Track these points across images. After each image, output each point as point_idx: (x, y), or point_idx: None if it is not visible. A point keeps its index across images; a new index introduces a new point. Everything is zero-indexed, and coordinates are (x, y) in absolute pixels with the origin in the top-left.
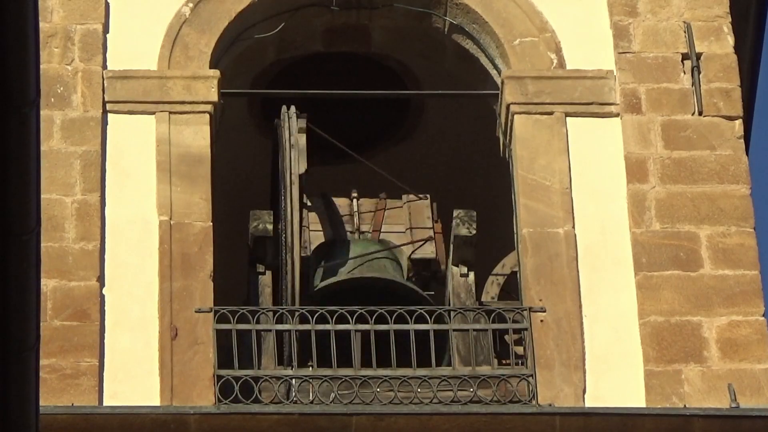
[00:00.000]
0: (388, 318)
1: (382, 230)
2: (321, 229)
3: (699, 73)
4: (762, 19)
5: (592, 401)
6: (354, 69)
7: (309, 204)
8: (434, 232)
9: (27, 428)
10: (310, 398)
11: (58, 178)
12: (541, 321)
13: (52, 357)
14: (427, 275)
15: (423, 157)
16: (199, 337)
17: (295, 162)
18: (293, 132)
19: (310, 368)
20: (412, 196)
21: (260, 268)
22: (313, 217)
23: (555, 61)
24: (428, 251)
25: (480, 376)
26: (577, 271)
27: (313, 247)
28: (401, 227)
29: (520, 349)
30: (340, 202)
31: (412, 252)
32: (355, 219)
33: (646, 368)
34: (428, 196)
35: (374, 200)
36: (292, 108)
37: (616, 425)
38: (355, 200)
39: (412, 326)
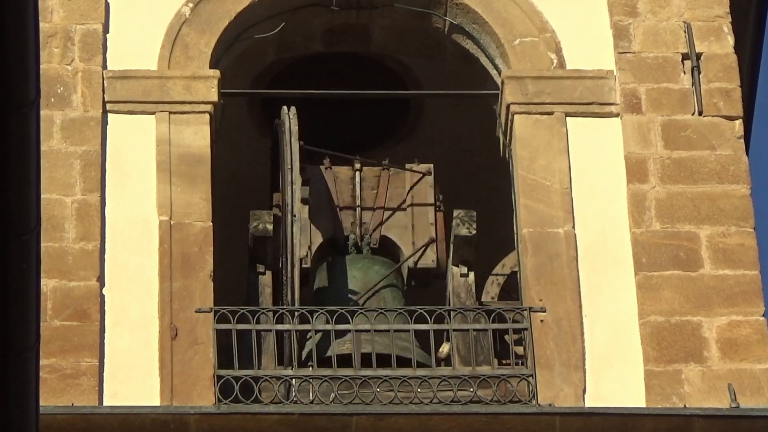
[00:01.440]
0: (389, 318)
1: (383, 225)
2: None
3: (699, 73)
4: (762, 19)
5: (592, 401)
6: (354, 69)
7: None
8: (435, 233)
9: (27, 428)
10: (310, 398)
11: (58, 178)
12: (541, 321)
13: (52, 357)
14: (427, 282)
15: (423, 158)
16: (199, 337)
17: (296, 161)
18: (293, 132)
19: (310, 368)
20: (414, 168)
21: (260, 268)
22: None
23: (555, 61)
24: (429, 260)
25: (480, 376)
26: (577, 271)
27: (313, 244)
28: (403, 228)
29: (520, 349)
30: (342, 172)
31: (415, 263)
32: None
33: (646, 368)
34: (431, 170)
35: (377, 169)
36: (293, 108)
37: (616, 425)
38: (357, 173)
39: (412, 326)
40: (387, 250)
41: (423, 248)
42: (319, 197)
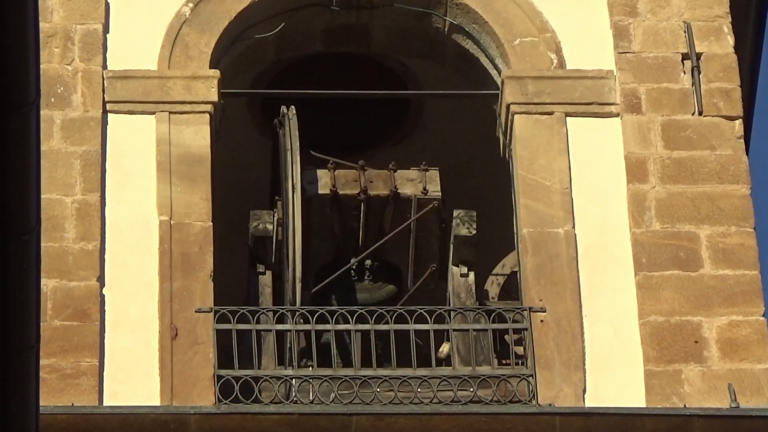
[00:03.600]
0: (388, 318)
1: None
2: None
3: (699, 73)
4: (762, 19)
5: (592, 401)
6: (354, 69)
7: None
8: (437, 261)
9: (27, 428)
10: (310, 398)
11: (58, 178)
12: (541, 321)
13: (52, 357)
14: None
15: (423, 157)
16: (199, 337)
17: (296, 162)
18: (293, 132)
19: (310, 368)
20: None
21: (260, 268)
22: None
23: (555, 61)
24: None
25: (480, 376)
26: (577, 271)
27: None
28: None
29: (520, 349)
30: (347, 175)
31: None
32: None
33: (646, 368)
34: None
35: (384, 197)
36: (292, 108)
37: (616, 425)
38: (362, 173)
39: (412, 326)
40: (388, 274)
41: (423, 278)
42: (320, 220)
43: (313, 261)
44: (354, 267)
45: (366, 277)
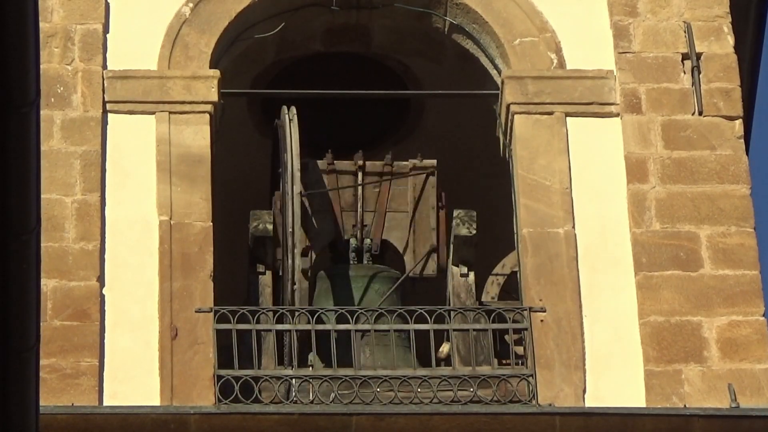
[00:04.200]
0: (389, 318)
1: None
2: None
3: (699, 73)
4: (762, 19)
5: (592, 401)
6: (354, 69)
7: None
8: (436, 238)
9: (27, 428)
10: (310, 398)
11: (58, 178)
12: (541, 321)
13: (52, 357)
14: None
15: (423, 158)
16: (199, 337)
17: (296, 160)
18: (293, 132)
19: (310, 368)
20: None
21: (260, 268)
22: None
23: (555, 61)
24: (430, 269)
25: (480, 376)
26: (577, 271)
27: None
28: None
29: (520, 349)
30: (345, 165)
31: (418, 273)
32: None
33: (646, 368)
34: (434, 170)
35: (379, 165)
36: (293, 108)
37: (616, 425)
38: (360, 172)
39: (412, 326)
40: (388, 255)
41: (424, 258)
42: (320, 198)
43: (312, 241)
44: (354, 248)
45: (367, 260)
